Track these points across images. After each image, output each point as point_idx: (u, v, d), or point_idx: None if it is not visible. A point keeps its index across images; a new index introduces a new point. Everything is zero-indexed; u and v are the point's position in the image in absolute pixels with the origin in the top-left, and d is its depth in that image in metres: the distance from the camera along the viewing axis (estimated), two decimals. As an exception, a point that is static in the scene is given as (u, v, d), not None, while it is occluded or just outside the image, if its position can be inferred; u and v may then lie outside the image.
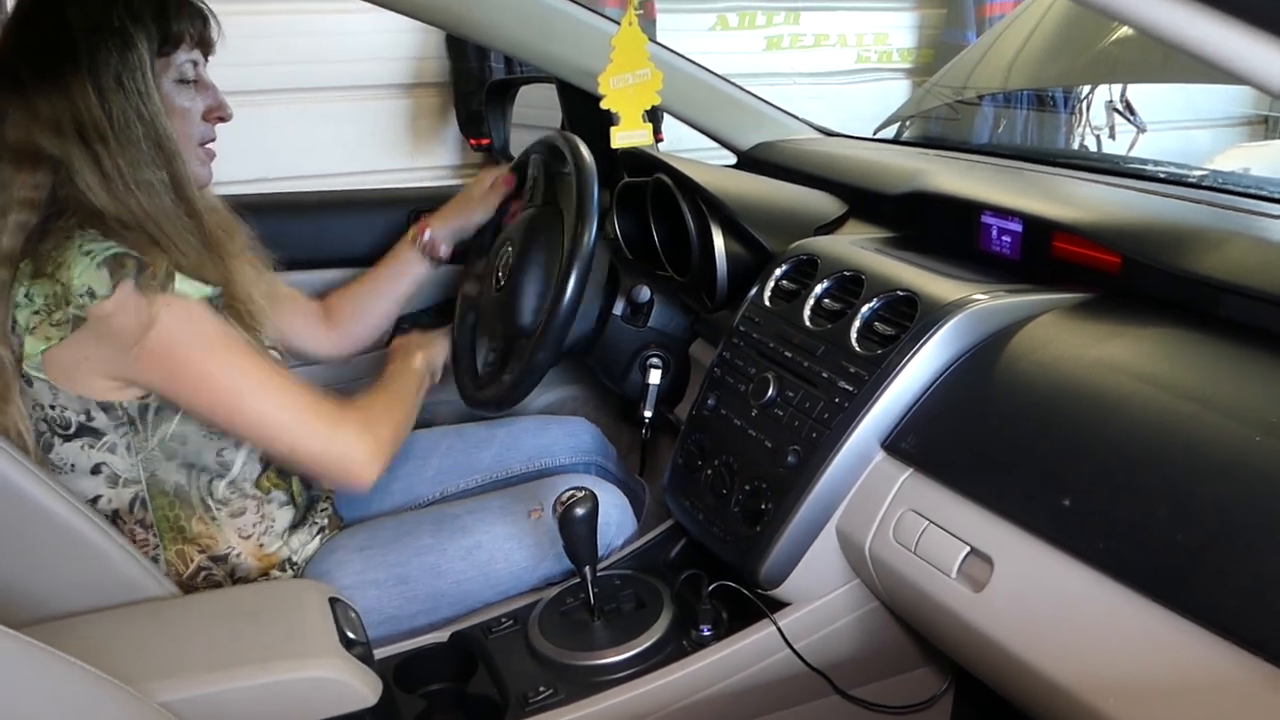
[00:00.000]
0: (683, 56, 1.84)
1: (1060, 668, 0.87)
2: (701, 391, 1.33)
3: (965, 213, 1.33)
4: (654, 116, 1.61)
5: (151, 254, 1.08)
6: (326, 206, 1.91)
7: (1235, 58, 0.63)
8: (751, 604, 1.19)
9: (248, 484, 1.25)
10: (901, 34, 4.50)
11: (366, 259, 1.79)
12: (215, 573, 1.23)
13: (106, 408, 1.13)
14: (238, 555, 1.24)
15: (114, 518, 1.17)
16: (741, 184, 1.58)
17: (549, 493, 1.36)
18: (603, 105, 1.26)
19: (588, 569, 1.21)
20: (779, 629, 1.17)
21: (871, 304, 1.17)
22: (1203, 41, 0.64)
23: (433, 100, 3.69)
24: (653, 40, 1.32)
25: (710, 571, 1.23)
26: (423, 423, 1.53)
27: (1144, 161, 1.79)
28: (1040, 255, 1.23)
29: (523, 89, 2.10)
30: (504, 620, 1.29)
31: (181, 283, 1.10)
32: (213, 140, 1.25)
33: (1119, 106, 3.49)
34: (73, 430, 1.13)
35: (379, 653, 1.21)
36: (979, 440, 1.02)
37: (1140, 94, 3.47)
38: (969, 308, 1.08)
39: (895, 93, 4.38)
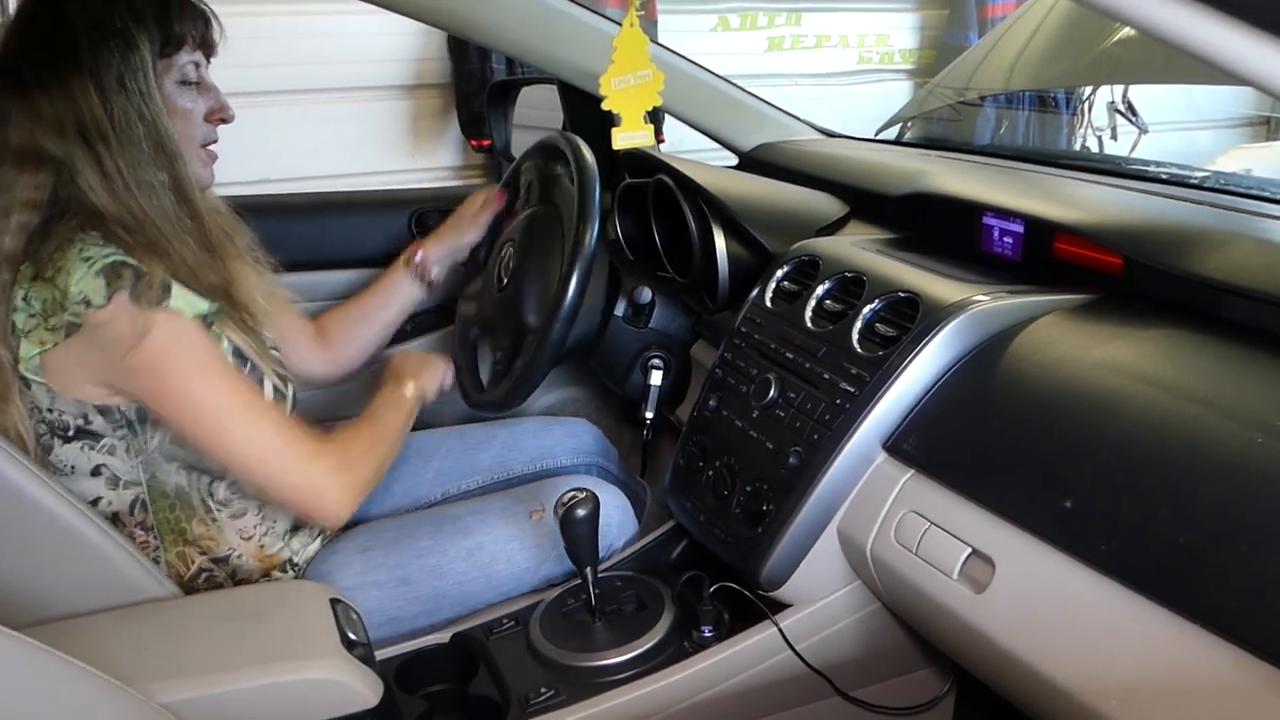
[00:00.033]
0: (684, 58, 1.83)
1: (1062, 669, 0.87)
2: (703, 393, 1.33)
3: (967, 214, 1.33)
4: (655, 117, 1.61)
5: (149, 262, 1.08)
6: (328, 208, 1.91)
7: (1237, 59, 0.63)
8: (753, 605, 1.19)
9: (248, 487, 1.24)
10: (903, 35, 4.50)
11: (368, 260, 1.79)
12: (216, 574, 1.23)
13: (104, 411, 1.13)
14: (239, 557, 1.24)
15: (114, 519, 1.17)
16: (743, 185, 1.58)
17: (550, 494, 1.36)
18: (604, 106, 1.26)
19: (589, 570, 1.20)
20: (780, 630, 1.17)
21: (873, 305, 1.17)
22: (1204, 42, 0.63)
23: (434, 101, 3.70)
24: (654, 41, 1.32)
25: (711, 573, 1.23)
26: (424, 423, 1.53)
27: (1146, 162, 1.79)
28: (1042, 256, 1.23)
29: (524, 90, 2.10)
30: (505, 621, 1.29)
31: (176, 298, 1.09)
32: (215, 142, 1.25)
33: (1121, 107, 3.49)
34: (71, 433, 1.13)
35: (380, 654, 1.21)
36: (980, 441, 1.02)
37: (1142, 95, 3.47)
38: (970, 309, 1.08)
39: (897, 94, 4.38)
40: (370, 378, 1.70)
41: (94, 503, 1.15)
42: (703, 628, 1.21)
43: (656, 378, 1.53)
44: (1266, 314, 0.98)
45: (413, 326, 1.80)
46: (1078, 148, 3.55)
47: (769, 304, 1.31)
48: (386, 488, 1.46)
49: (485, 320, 1.58)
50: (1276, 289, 0.98)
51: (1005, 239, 1.28)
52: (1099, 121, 3.58)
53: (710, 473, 1.25)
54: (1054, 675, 0.87)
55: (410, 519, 1.40)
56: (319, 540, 1.33)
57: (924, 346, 1.08)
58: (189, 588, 1.21)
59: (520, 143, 2.05)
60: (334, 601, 1.04)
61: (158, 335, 1.07)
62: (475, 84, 3.40)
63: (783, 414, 1.18)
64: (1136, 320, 1.06)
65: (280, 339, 1.33)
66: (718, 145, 1.94)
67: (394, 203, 1.91)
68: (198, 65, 1.20)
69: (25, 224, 1.09)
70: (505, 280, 1.52)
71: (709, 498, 1.25)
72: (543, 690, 1.16)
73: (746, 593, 1.19)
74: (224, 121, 1.24)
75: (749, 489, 1.18)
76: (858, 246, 1.33)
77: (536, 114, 2.13)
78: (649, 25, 3.63)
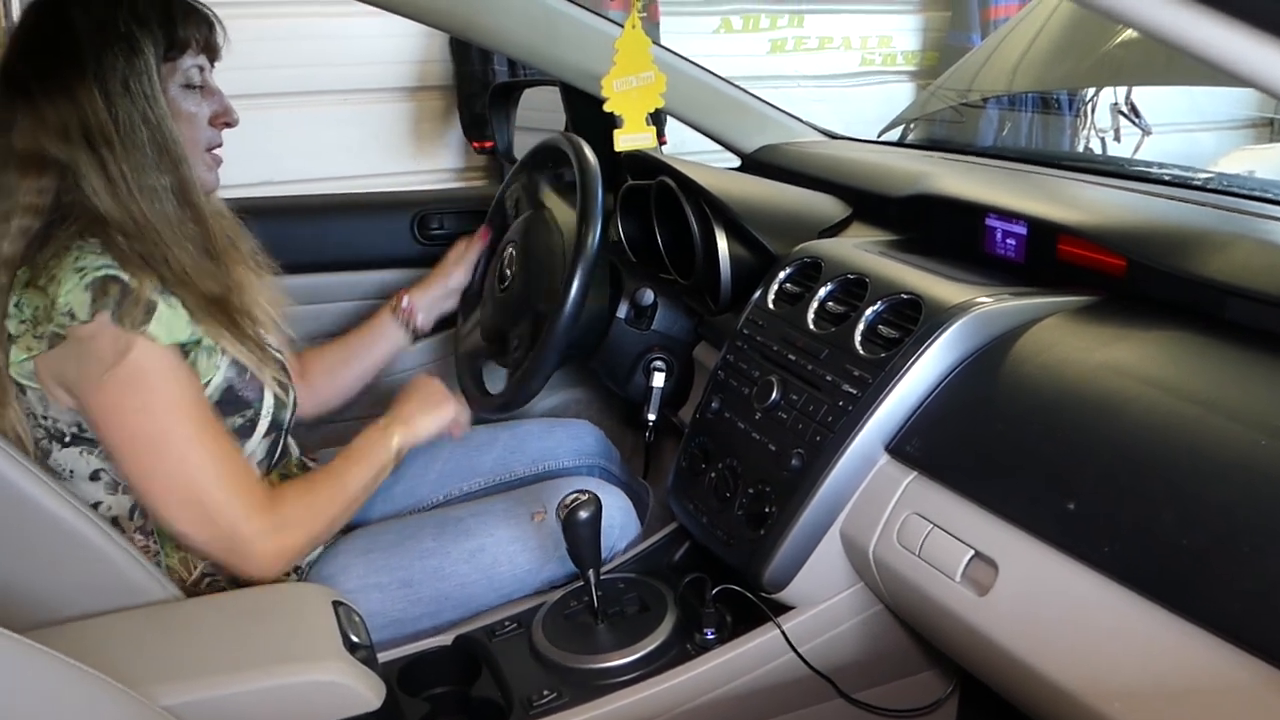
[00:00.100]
0: (686, 59, 1.84)
1: (1065, 671, 0.87)
2: (705, 394, 1.33)
3: (970, 215, 1.33)
4: (657, 119, 1.61)
5: (142, 276, 1.08)
6: (330, 210, 1.92)
7: (1240, 60, 0.63)
8: (755, 607, 1.19)
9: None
10: (906, 37, 4.50)
11: (370, 263, 1.79)
12: (219, 578, 1.23)
13: None
14: (241, 560, 1.24)
15: (114, 524, 1.16)
16: (745, 186, 1.58)
17: (552, 495, 1.36)
18: (606, 108, 1.26)
19: (591, 572, 1.20)
20: (783, 632, 1.17)
21: (875, 307, 1.17)
22: (1207, 44, 0.63)
23: (436, 103, 3.70)
24: (656, 43, 1.32)
25: (714, 575, 1.23)
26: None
27: (1149, 164, 1.79)
28: (1045, 258, 1.23)
29: (527, 92, 2.10)
30: (507, 623, 1.29)
31: (156, 324, 1.08)
32: (219, 146, 1.25)
33: (1124, 109, 3.50)
34: (68, 439, 1.13)
35: (382, 656, 1.21)
36: (983, 443, 1.02)
37: (1145, 96, 3.47)
38: (973, 311, 1.08)
39: (899, 95, 4.39)
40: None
41: (94, 507, 1.15)
42: (705, 630, 1.21)
43: (659, 379, 1.53)
44: (1269, 315, 0.98)
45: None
46: (1080, 149, 3.55)
47: (771, 306, 1.31)
48: (388, 490, 1.46)
49: (487, 322, 1.58)
50: (1279, 290, 0.97)
51: (1008, 240, 1.28)
52: (1102, 123, 3.58)
53: (713, 475, 1.25)
54: (1057, 677, 0.87)
55: (412, 521, 1.40)
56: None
57: (927, 348, 1.08)
58: (191, 592, 1.20)
59: (522, 144, 2.05)
60: (336, 604, 1.03)
61: (133, 357, 1.07)
62: (477, 86, 3.40)
63: (785, 416, 1.18)
64: (1139, 322, 1.06)
65: None
66: (720, 147, 1.94)
67: (396, 205, 1.91)
68: (202, 69, 1.20)
69: (26, 229, 1.09)
70: (507, 282, 1.52)
71: (711, 500, 1.24)
72: (545, 692, 1.16)
73: (749, 595, 1.19)
74: (228, 125, 1.24)
75: (751, 491, 1.18)
76: (860, 248, 1.33)
77: (539, 116, 2.14)
78: (651, 27, 3.63)
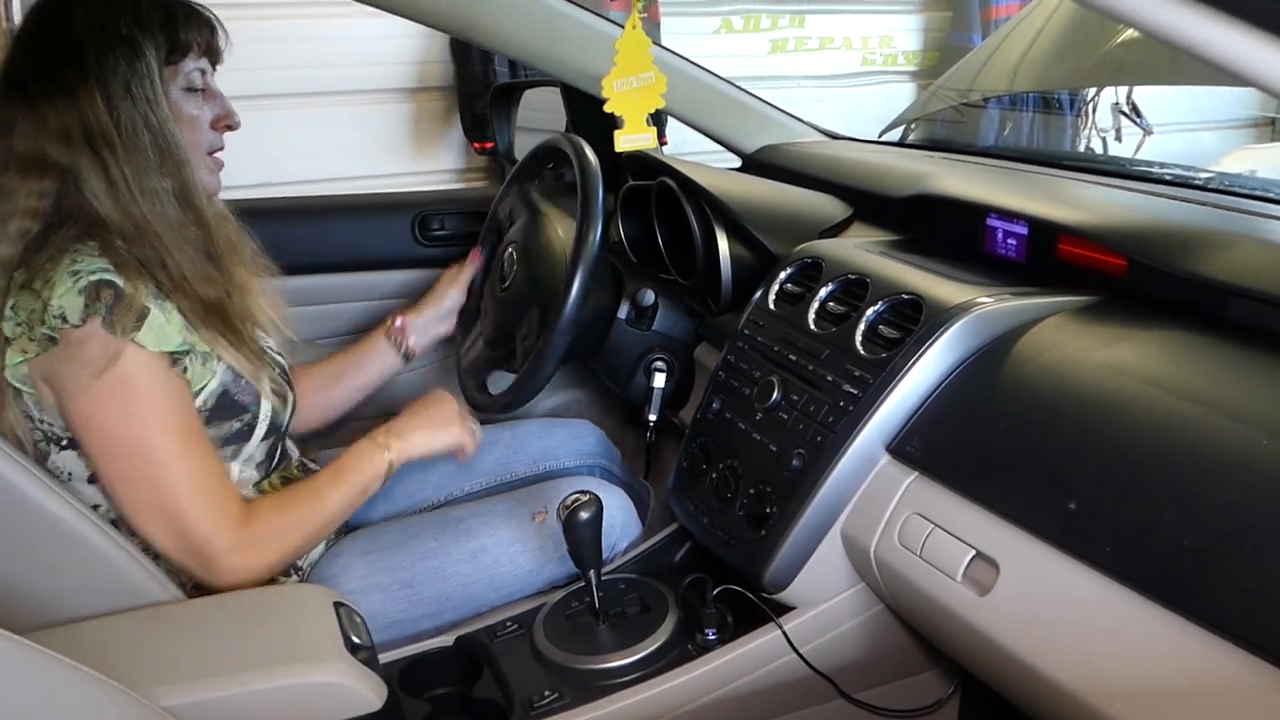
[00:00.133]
0: (687, 60, 1.83)
1: (1066, 671, 0.87)
2: (706, 395, 1.33)
3: (971, 215, 1.33)
4: (658, 120, 1.61)
5: (137, 281, 1.08)
6: (331, 211, 1.91)
7: (1242, 60, 0.63)
8: (756, 608, 1.19)
9: (247, 489, 1.24)
10: (907, 37, 4.50)
11: (370, 264, 1.79)
12: (220, 579, 1.23)
13: None
14: (241, 561, 1.24)
15: (115, 525, 1.16)
16: (746, 187, 1.58)
17: (553, 496, 1.35)
18: (606, 109, 1.26)
19: (592, 573, 1.20)
20: (784, 633, 1.17)
21: (876, 307, 1.17)
22: (1209, 44, 0.63)
23: (437, 104, 3.70)
24: (657, 43, 1.32)
25: (715, 575, 1.23)
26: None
27: (1150, 164, 1.79)
28: (1046, 258, 1.23)
29: (527, 93, 2.10)
30: (509, 624, 1.29)
31: (146, 332, 1.08)
32: (221, 149, 1.25)
33: (1125, 109, 3.49)
34: (64, 442, 1.13)
35: (384, 657, 1.21)
36: (984, 443, 1.02)
37: (1146, 96, 3.47)
38: (974, 311, 1.08)
39: (900, 95, 4.39)
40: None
41: (93, 509, 1.15)
42: (706, 630, 1.21)
43: (660, 380, 1.53)
44: (1270, 315, 0.98)
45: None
46: (1082, 149, 3.55)
47: (772, 306, 1.31)
48: (389, 490, 1.46)
49: (490, 328, 1.58)
50: (1280, 290, 0.98)
51: (1009, 240, 1.28)
52: (1103, 123, 3.58)
53: (713, 475, 1.25)
54: (1058, 677, 0.87)
55: (413, 521, 1.40)
56: (322, 544, 1.33)
57: (927, 348, 1.07)
58: (192, 593, 1.20)
59: (523, 145, 2.06)
60: (337, 605, 1.03)
61: (121, 364, 1.07)
62: (478, 86, 3.41)
63: (786, 416, 1.18)
64: (1141, 322, 1.06)
65: None
66: (720, 147, 1.94)
67: (397, 206, 1.91)
68: (203, 72, 1.20)
69: (25, 231, 1.09)
70: (508, 281, 1.52)
71: (712, 500, 1.24)
72: (546, 693, 1.16)
73: (750, 595, 1.19)
74: (230, 128, 1.24)
75: (752, 491, 1.18)
76: (861, 248, 1.33)
77: (539, 116, 2.14)
78: (652, 27, 3.63)
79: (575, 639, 1.23)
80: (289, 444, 1.36)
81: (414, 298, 1.85)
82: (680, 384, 1.57)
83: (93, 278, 1.06)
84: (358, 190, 2.12)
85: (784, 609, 1.19)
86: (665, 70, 1.25)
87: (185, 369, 1.13)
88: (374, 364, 1.56)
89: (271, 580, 1.26)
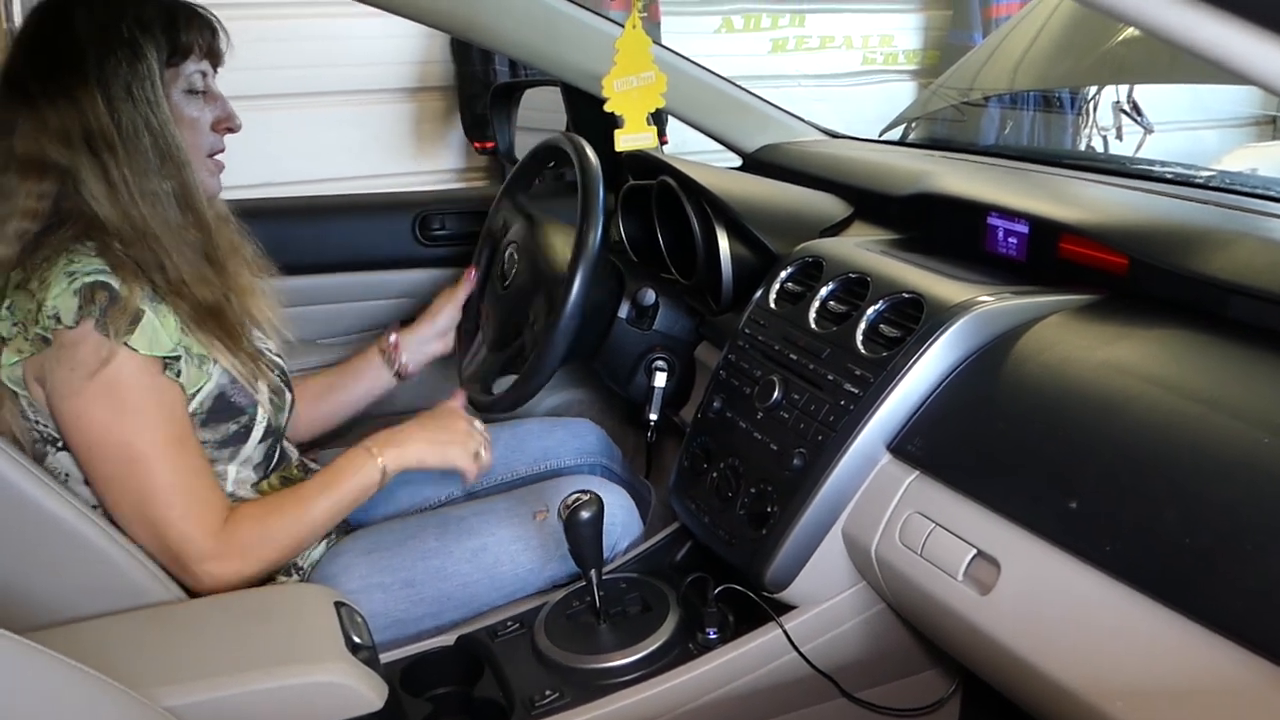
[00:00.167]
0: (687, 59, 1.83)
1: (1067, 671, 0.86)
2: (707, 394, 1.33)
3: (971, 214, 1.33)
4: (658, 119, 1.61)
5: (133, 284, 1.08)
6: (331, 211, 1.92)
7: (1242, 59, 0.63)
8: (757, 607, 1.19)
9: (246, 489, 1.24)
10: (907, 35, 4.50)
11: (371, 264, 1.79)
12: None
13: None
14: (242, 561, 1.24)
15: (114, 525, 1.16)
16: (746, 186, 1.58)
17: (554, 495, 1.35)
18: (606, 108, 1.26)
19: (593, 572, 1.20)
20: (785, 632, 1.17)
21: (877, 306, 1.17)
22: (1210, 43, 0.63)
23: (437, 104, 3.70)
24: (657, 43, 1.32)
25: (716, 574, 1.23)
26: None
27: (1151, 162, 1.79)
28: (1047, 257, 1.23)
29: (528, 92, 2.10)
30: (510, 623, 1.29)
31: (139, 335, 1.08)
32: (221, 151, 1.25)
33: (1126, 107, 3.49)
34: (61, 443, 1.13)
35: (385, 656, 1.21)
36: (985, 442, 1.02)
37: (1147, 94, 3.47)
38: (975, 310, 1.08)
39: (901, 94, 4.38)
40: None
41: (93, 509, 1.15)
42: (708, 630, 1.21)
43: (660, 379, 1.53)
44: (1272, 313, 0.98)
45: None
46: (1083, 148, 3.55)
47: (773, 305, 1.31)
48: (390, 490, 1.45)
49: (488, 321, 1.58)
50: (1282, 288, 0.97)
51: (1010, 239, 1.27)
52: (1104, 121, 3.57)
53: (714, 474, 1.25)
54: (1059, 676, 0.87)
55: (414, 520, 1.40)
56: (323, 543, 1.33)
57: (928, 347, 1.07)
58: (194, 593, 1.21)
59: (524, 144, 2.06)
60: (338, 604, 1.03)
61: (112, 366, 1.07)
62: (478, 86, 3.41)
63: (787, 415, 1.18)
64: (1142, 320, 1.06)
65: None
66: (721, 146, 1.94)
67: (397, 205, 1.91)
68: (204, 74, 1.20)
69: (23, 232, 1.09)
70: (509, 280, 1.52)
71: (713, 499, 1.24)
72: (547, 692, 1.16)
73: (751, 594, 1.19)
74: (230, 131, 1.24)
75: (753, 490, 1.18)
76: (862, 247, 1.33)
77: (540, 116, 2.14)
78: (652, 27, 3.63)
79: (576, 638, 1.23)
80: (288, 444, 1.36)
81: (415, 297, 1.85)
82: (681, 383, 1.57)
83: (88, 279, 1.06)
84: (359, 190, 2.12)
85: (785, 608, 1.19)
86: (665, 69, 1.25)
87: (179, 373, 1.13)
88: (365, 380, 1.54)
89: (272, 579, 1.26)
